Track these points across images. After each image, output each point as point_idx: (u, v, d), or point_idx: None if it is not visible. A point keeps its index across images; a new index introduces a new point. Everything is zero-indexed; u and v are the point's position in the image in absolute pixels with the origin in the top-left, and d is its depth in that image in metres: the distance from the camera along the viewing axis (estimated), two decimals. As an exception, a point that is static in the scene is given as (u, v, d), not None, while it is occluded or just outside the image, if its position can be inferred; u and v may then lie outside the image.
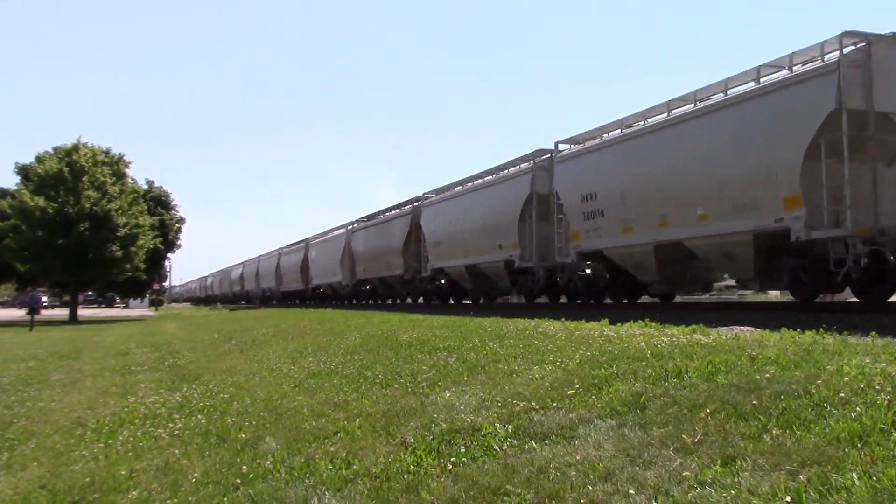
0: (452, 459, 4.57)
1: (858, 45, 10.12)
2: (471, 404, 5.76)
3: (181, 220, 57.09)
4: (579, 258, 15.68)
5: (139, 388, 10.06)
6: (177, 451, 5.95)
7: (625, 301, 16.10)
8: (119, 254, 36.96)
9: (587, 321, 10.03)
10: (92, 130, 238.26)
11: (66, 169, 36.40)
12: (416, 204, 25.60)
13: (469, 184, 22.04)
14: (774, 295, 20.08)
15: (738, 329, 7.90)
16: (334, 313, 21.76)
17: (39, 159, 37.92)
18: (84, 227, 35.23)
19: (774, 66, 11.54)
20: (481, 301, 23.11)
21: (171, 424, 7.11)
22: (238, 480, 4.90)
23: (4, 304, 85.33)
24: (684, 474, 3.58)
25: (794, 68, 11.09)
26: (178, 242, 57.37)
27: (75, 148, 37.54)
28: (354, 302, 32.89)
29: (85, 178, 36.64)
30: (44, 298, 69.99)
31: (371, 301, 31.03)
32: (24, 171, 39.62)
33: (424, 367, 7.84)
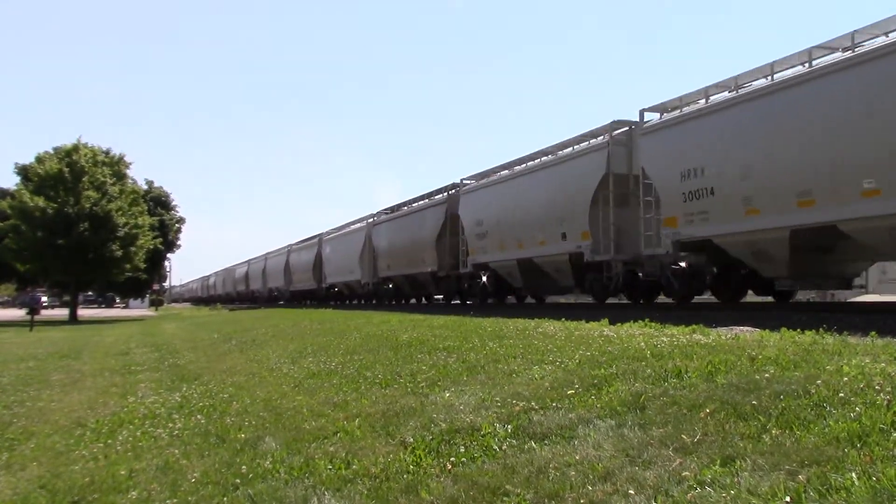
0: (452, 459, 4.57)
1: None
2: (470, 404, 5.76)
3: (181, 220, 57.14)
4: (675, 248, 12.79)
5: (139, 388, 10.06)
6: (176, 451, 5.95)
7: (726, 301, 13.71)
8: (119, 254, 36.99)
9: (587, 321, 10.04)
10: (92, 131, 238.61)
11: (66, 169, 36.42)
12: (452, 191, 22.66)
13: (523, 165, 18.85)
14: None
15: (737, 329, 7.90)
16: (334, 313, 21.76)
17: (39, 159, 37.94)
18: (84, 228, 35.24)
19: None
20: (527, 300, 21.12)
21: (170, 424, 7.11)
22: (237, 480, 4.90)
23: (4, 304, 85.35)
24: (684, 474, 3.58)
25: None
26: (178, 242, 57.43)
27: (75, 148, 37.55)
28: (374, 302, 29.91)
29: (85, 179, 36.67)
30: (44, 298, 70.00)
31: (394, 301, 28.02)
32: (24, 172, 39.63)
33: (424, 367, 7.84)
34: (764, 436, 3.86)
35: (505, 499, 3.83)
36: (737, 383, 4.82)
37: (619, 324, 9.23)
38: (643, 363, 5.99)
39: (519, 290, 20.18)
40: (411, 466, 4.58)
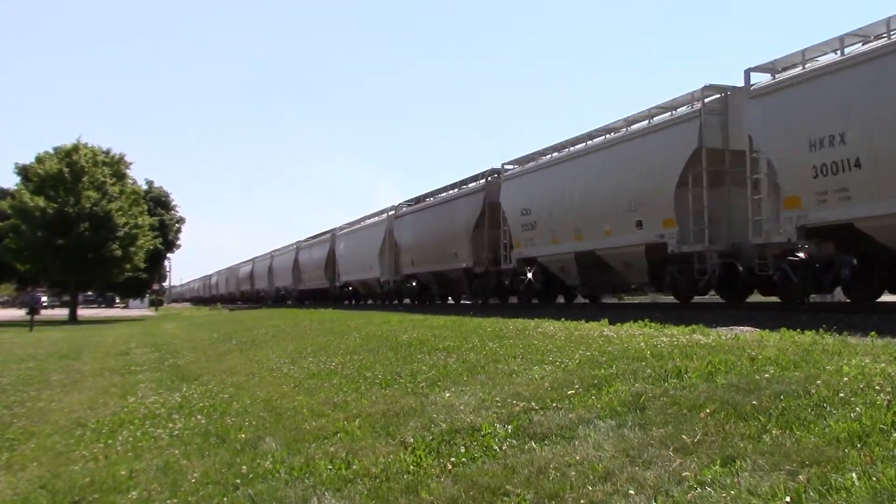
0: (452, 459, 4.57)
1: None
2: (470, 404, 5.76)
3: (181, 220, 57.17)
4: (800, 235, 10.41)
5: (139, 388, 10.06)
6: (176, 452, 5.95)
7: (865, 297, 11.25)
8: (119, 254, 36.99)
9: (587, 321, 10.04)
10: (92, 130, 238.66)
11: (66, 169, 36.41)
12: (490, 178, 20.29)
13: (582, 144, 16.23)
14: None
15: (737, 329, 7.91)
16: (334, 313, 21.74)
17: (39, 159, 37.92)
18: (84, 228, 35.24)
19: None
20: (585, 301, 18.75)
21: (170, 424, 7.11)
22: (238, 480, 4.90)
23: (4, 304, 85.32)
24: (684, 474, 3.58)
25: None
26: (178, 242, 57.42)
27: (75, 148, 37.54)
28: (396, 302, 27.42)
29: (85, 179, 36.66)
30: (44, 298, 69.96)
31: (418, 301, 25.46)
32: (24, 172, 39.64)
33: (424, 368, 7.84)
34: (764, 436, 3.86)
35: (505, 499, 3.83)
36: (737, 383, 4.83)
37: (618, 324, 9.24)
38: (643, 363, 5.99)
39: (572, 287, 17.84)
40: (411, 467, 4.58)
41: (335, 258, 34.61)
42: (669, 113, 13.73)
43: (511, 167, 19.35)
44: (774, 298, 13.41)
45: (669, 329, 8.16)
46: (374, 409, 6.29)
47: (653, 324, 8.88)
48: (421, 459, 4.69)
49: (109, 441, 6.61)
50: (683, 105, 13.41)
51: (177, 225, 56.04)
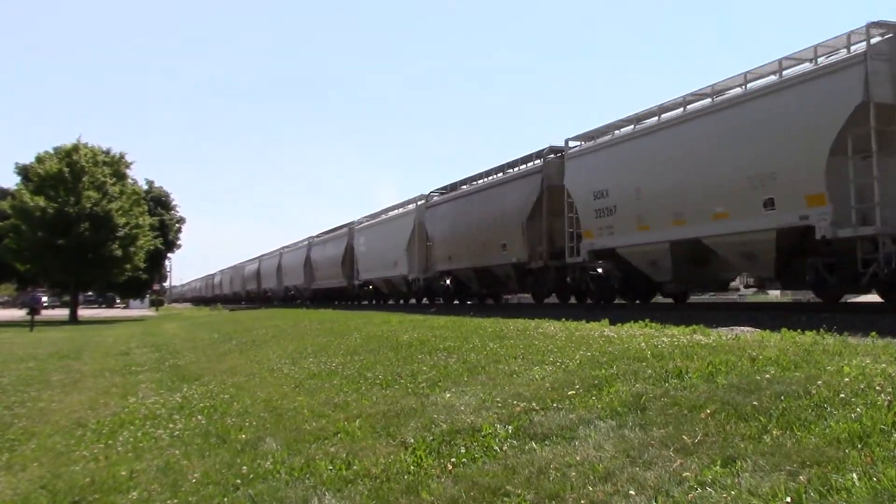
0: (452, 460, 4.57)
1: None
2: (471, 405, 5.76)
3: (181, 220, 57.12)
4: None
5: (139, 388, 10.06)
6: (177, 452, 5.95)
7: None
8: (119, 254, 36.99)
9: (587, 321, 10.04)
10: (92, 130, 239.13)
11: (66, 169, 36.41)
12: (547, 158, 17.18)
13: (679, 110, 12.97)
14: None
15: (738, 329, 7.91)
16: (335, 314, 21.74)
17: (39, 159, 37.94)
18: (84, 228, 35.24)
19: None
20: (669, 300, 15.93)
21: (171, 425, 7.11)
22: (238, 481, 4.90)
23: (4, 304, 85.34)
24: (684, 475, 3.59)
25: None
26: (178, 242, 57.37)
27: (75, 148, 37.54)
28: (426, 301, 24.58)
29: (85, 179, 36.66)
30: (44, 298, 69.98)
31: (457, 301, 22.72)
32: (24, 171, 39.69)
33: (425, 368, 7.84)
34: (765, 436, 3.86)
35: (506, 499, 3.83)
36: (737, 384, 4.83)
37: (619, 324, 9.24)
38: (644, 364, 5.99)
39: (661, 284, 14.42)
40: (412, 467, 4.59)
41: (353, 254, 31.81)
42: (808, 63, 10.75)
43: (577, 144, 16.16)
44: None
45: (670, 329, 8.16)
46: (375, 410, 6.29)
47: (653, 324, 8.88)
48: (421, 460, 4.69)
49: (110, 441, 6.62)
50: (822, 55, 10.56)
51: (177, 225, 56.01)
